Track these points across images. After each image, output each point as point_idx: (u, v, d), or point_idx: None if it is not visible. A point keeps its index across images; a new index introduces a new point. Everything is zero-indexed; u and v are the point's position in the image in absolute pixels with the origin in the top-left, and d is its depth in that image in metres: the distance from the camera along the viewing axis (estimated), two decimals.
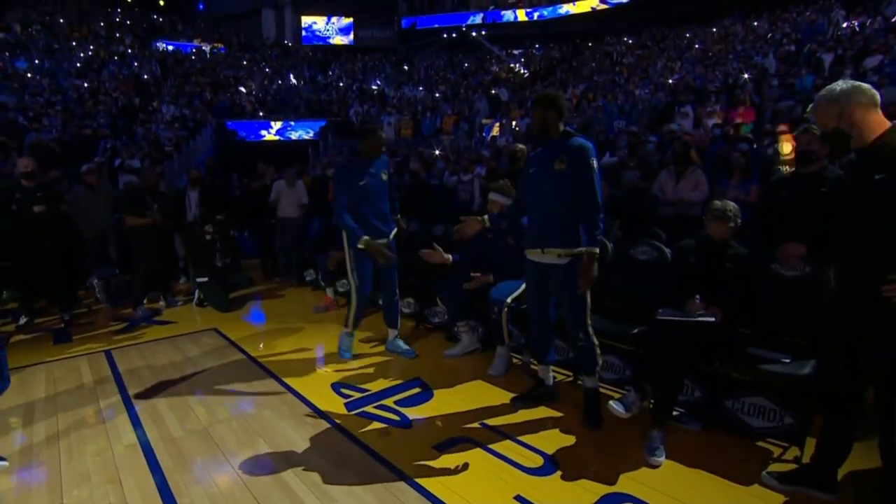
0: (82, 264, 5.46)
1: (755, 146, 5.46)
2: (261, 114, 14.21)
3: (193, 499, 2.17)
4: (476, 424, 2.75)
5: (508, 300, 3.30)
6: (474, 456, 2.47)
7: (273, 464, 2.42)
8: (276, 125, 13.57)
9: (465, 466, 2.37)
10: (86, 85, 15.22)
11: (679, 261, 2.83)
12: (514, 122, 12.06)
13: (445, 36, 25.74)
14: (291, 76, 18.94)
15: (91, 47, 19.77)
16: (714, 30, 16.34)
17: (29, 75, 15.02)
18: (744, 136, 6.08)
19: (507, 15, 24.93)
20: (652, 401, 2.56)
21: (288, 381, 3.36)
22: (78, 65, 17.35)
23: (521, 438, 2.60)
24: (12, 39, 18.57)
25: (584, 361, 2.74)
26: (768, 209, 3.13)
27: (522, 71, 18.66)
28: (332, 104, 15.58)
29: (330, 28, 27.34)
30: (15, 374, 3.55)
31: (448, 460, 2.43)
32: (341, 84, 18.49)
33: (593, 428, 2.65)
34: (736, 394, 2.58)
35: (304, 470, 2.36)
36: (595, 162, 2.53)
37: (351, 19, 27.17)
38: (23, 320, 4.72)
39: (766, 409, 2.48)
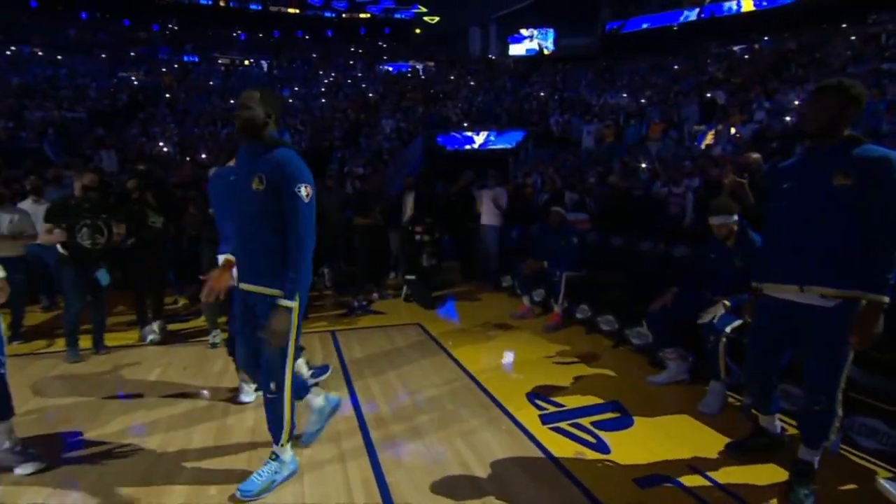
0: (317, 256, 6.51)
1: None
2: (465, 125, 15.16)
3: (399, 478, 2.38)
4: (684, 466, 2.45)
5: (728, 329, 2.92)
6: (677, 498, 2.20)
7: (470, 464, 2.50)
8: (480, 138, 14.29)
9: None
10: (323, 101, 18.41)
11: None
12: (732, 129, 10.58)
13: (654, 38, 23.99)
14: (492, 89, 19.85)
15: (332, 74, 23.75)
16: None
17: (290, 101, 18.71)
18: None
19: (730, 6, 22.07)
20: None
21: (484, 383, 3.47)
22: (322, 89, 21.01)
23: (740, 494, 2.22)
24: (282, 75, 23.44)
25: (814, 429, 2.12)
26: None
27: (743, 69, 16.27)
28: (532, 114, 15.82)
29: (532, 39, 27.90)
30: None
31: (649, 499, 2.21)
32: (542, 94, 18.66)
33: None
34: None
35: (500, 477, 2.38)
36: None
37: (553, 29, 27.31)
38: None
39: None
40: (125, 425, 2.90)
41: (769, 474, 2.37)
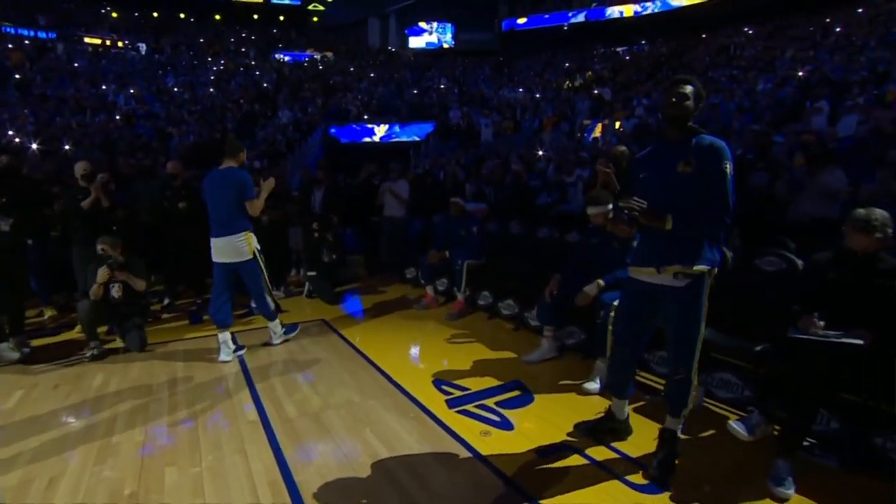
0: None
1: None
2: (366, 117, 14.97)
3: (307, 476, 2.34)
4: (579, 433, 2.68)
5: (615, 302, 3.12)
6: (578, 466, 2.40)
7: (379, 454, 2.52)
8: (381, 130, 14.16)
9: (569, 475, 2.32)
10: (212, 91, 17.14)
11: (813, 276, 2.52)
12: (617, 123, 11.56)
13: (547, 36, 25.32)
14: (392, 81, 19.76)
15: (222, 61, 22.15)
16: (860, 10, 14.42)
17: (176, 89, 17.16)
18: None
19: (612, 12, 23.91)
20: (778, 426, 2.32)
21: (391, 373, 3.50)
22: (212, 77, 19.53)
23: (627, 452, 2.49)
24: (165, 60, 21.39)
25: (674, 399, 2.31)
26: None
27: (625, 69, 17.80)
28: (433, 107, 15.99)
29: (431, 33, 28.12)
30: (160, 348, 4.10)
31: (551, 467, 2.39)
32: (442, 87, 18.92)
33: (660, 480, 2.25)
34: (889, 431, 2.24)
35: (409, 463, 2.44)
36: (730, 166, 2.12)
37: (452, 24, 27.74)
38: (166, 301, 5.39)
39: None
40: None
41: (654, 431, 2.57)
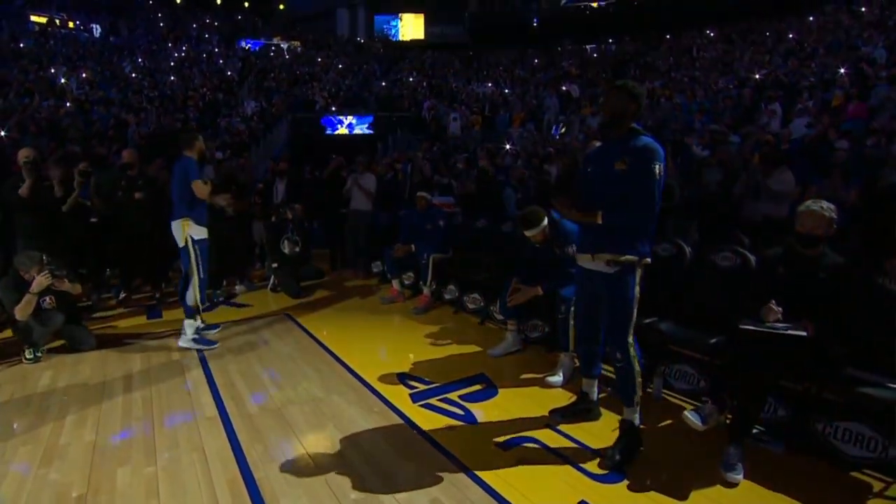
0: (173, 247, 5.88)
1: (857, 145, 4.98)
2: (333, 108, 14.72)
3: (268, 473, 2.30)
4: (541, 425, 2.72)
5: (575, 297, 3.20)
6: (539, 456, 2.44)
7: (342, 448, 2.50)
8: (346, 121, 13.94)
9: (532, 467, 2.35)
10: (173, 79, 16.45)
11: (765, 271, 2.63)
12: (584, 120, 11.74)
13: (516, 31, 25.44)
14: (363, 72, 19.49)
15: (184, 48, 21.32)
16: (811, 18, 15.07)
17: (133, 75, 16.41)
18: (844, 132, 5.52)
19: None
20: (730, 415, 2.42)
21: (355, 368, 3.47)
22: (172, 64, 18.78)
23: (586, 443, 2.54)
24: (121, 43, 20.42)
25: (622, 388, 2.44)
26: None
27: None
28: (402, 99, 15.84)
29: (401, 25, 27.86)
30: (114, 345, 3.94)
31: (512, 459, 2.41)
32: (411, 79, 18.75)
33: (620, 469, 2.32)
34: (828, 417, 2.37)
35: (371, 456, 2.43)
36: (659, 167, 2.23)
37: (422, 15, 27.53)
38: (121, 296, 5.18)
39: (864, 437, 2.26)
40: None
41: (612, 421, 2.68)
